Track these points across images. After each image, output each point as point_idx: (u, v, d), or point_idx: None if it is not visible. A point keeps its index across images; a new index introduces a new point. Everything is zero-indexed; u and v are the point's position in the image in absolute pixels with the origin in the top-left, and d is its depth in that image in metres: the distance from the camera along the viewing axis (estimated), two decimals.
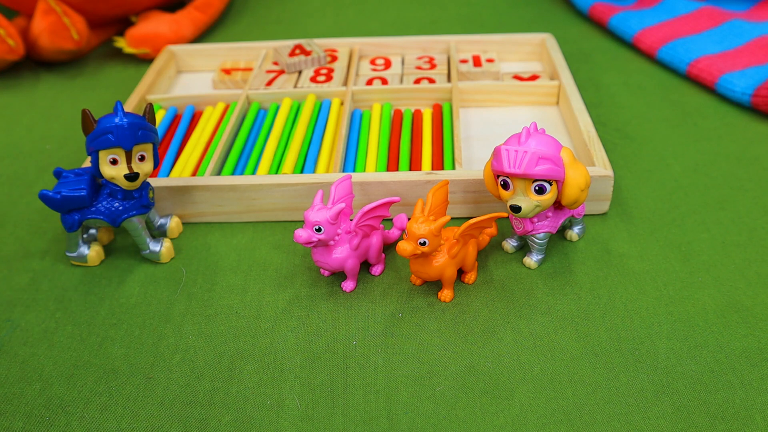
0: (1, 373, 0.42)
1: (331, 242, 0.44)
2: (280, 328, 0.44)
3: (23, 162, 0.63)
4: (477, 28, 0.86)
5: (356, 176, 0.51)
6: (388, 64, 0.71)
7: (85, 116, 0.43)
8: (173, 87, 0.73)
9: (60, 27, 0.74)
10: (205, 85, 0.72)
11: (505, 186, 0.43)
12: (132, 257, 0.51)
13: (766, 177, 0.56)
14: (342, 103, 0.64)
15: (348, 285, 0.46)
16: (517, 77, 0.67)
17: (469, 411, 0.38)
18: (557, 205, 0.46)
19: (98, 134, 0.43)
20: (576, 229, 0.50)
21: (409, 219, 0.48)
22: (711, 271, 0.47)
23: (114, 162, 0.44)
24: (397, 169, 0.56)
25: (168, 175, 0.55)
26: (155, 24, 0.79)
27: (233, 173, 0.55)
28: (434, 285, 0.47)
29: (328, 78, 0.67)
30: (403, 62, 0.71)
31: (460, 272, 0.47)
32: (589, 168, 0.50)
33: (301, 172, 0.56)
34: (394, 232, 0.50)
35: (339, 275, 0.48)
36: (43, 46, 0.75)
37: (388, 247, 0.50)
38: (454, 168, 0.54)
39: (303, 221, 0.51)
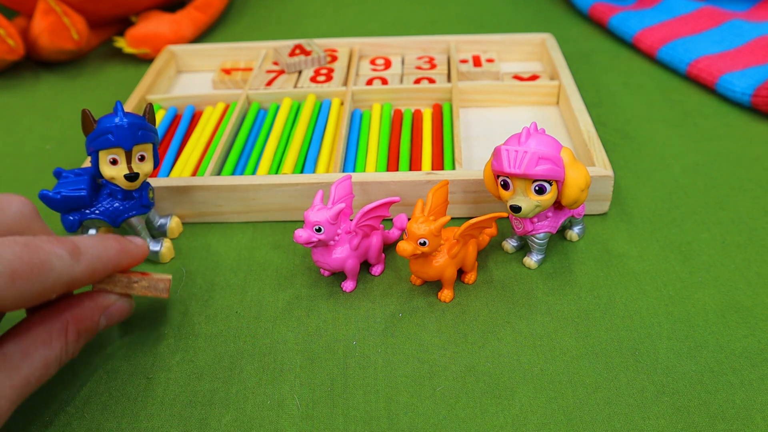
0: None
1: (331, 242, 0.44)
2: (280, 328, 0.44)
3: (23, 162, 0.63)
4: (477, 28, 0.86)
5: (356, 176, 0.51)
6: (388, 64, 0.71)
7: (85, 116, 0.43)
8: (173, 87, 0.73)
9: (60, 27, 0.74)
10: (205, 85, 0.72)
11: (505, 186, 0.43)
12: None
13: (766, 177, 0.56)
14: (342, 103, 0.64)
15: (348, 285, 0.46)
16: (517, 77, 0.67)
17: (469, 411, 0.38)
18: (557, 205, 0.46)
19: (98, 134, 0.43)
20: (576, 229, 0.50)
21: (409, 219, 0.48)
22: (711, 271, 0.47)
23: (114, 162, 0.44)
24: (397, 169, 0.55)
25: (168, 175, 0.55)
26: (155, 24, 0.79)
27: (233, 173, 0.55)
28: (434, 285, 0.47)
29: (328, 78, 0.67)
30: (403, 62, 0.71)
31: (460, 272, 0.47)
32: (589, 168, 0.50)
33: (301, 172, 0.56)
34: (394, 232, 0.49)
35: (339, 275, 0.48)
36: (43, 46, 0.75)
37: (388, 247, 0.50)
38: (454, 168, 0.54)
39: (303, 221, 0.51)
